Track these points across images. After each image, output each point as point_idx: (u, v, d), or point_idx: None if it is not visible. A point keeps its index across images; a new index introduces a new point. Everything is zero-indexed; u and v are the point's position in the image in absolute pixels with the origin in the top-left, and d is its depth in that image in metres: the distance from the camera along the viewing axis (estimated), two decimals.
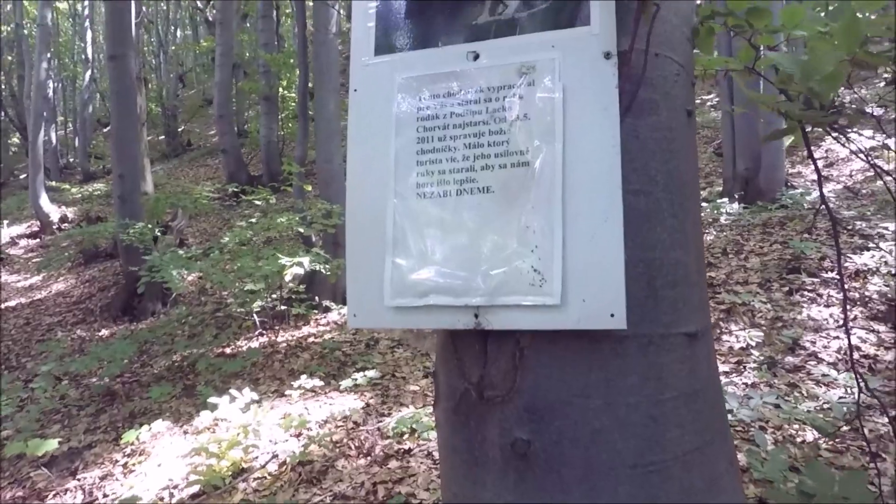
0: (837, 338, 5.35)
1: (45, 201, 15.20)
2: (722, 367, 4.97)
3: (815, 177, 10.21)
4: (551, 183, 1.11)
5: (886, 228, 7.06)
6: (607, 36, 1.14)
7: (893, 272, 6.05)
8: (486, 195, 1.16)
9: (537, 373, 1.11)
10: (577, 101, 1.13)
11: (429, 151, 1.21)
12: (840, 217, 7.82)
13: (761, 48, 1.41)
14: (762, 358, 5.05)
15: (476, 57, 1.22)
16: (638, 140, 1.15)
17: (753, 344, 5.31)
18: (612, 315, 1.05)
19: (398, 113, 1.24)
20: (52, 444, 4.13)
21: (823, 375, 4.71)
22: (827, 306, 5.88)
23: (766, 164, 9.20)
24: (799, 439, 3.71)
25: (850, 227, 7.34)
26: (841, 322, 5.52)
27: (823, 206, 1.47)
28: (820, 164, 10.73)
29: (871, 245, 6.70)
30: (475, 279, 1.13)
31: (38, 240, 15.40)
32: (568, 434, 1.07)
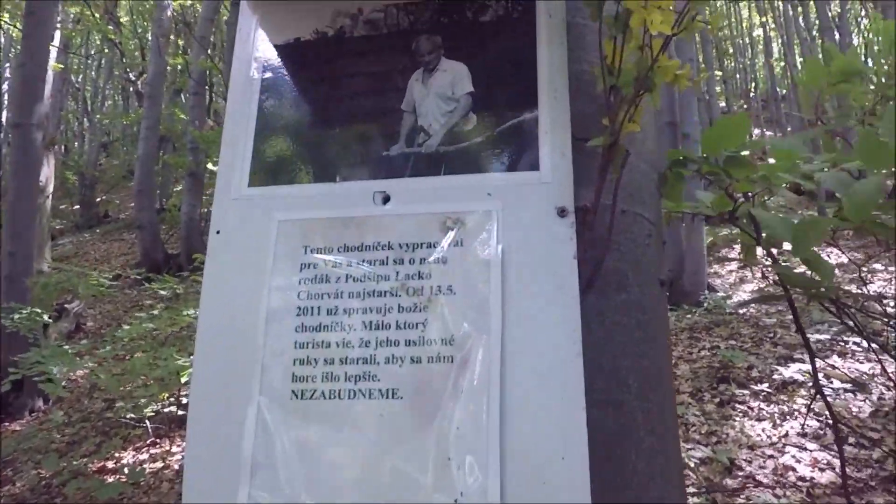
0: (772, 457, 5.18)
1: None
2: None
3: (732, 279, 10.52)
4: (484, 390, 0.77)
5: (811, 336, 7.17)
6: (562, 186, 0.84)
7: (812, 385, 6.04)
8: (391, 402, 0.80)
9: None
10: (522, 273, 0.81)
11: (312, 329, 0.85)
12: (762, 325, 7.93)
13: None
14: (703, 484, 4.78)
15: (386, 200, 0.90)
16: (604, 328, 0.83)
17: (692, 465, 5.05)
18: None
19: (274, 268, 0.89)
20: None
21: None
22: (759, 420, 5.76)
23: (689, 269, 9.37)
24: None
25: (772, 336, 7.43)
26: (774, 439, 5.38)
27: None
28: (734, 265, 11.11)
29: (795, 355, 6.74)
30: None
31: None
32: None
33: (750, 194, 1.19)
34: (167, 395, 5.60)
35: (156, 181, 17.35)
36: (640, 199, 0.94)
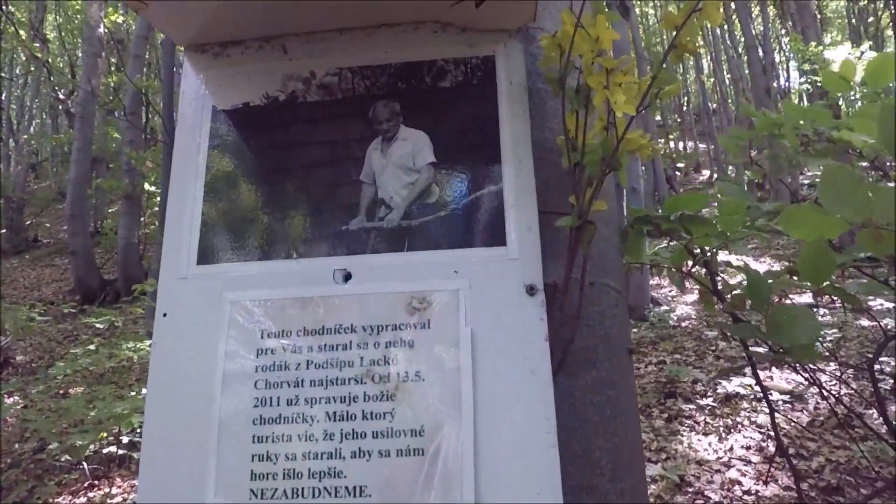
0: (719, 471, 5.32)
1: None
2: None
3: (674, 290, 10.83)
4: (457, 486, 0.73)
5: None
6: (530, 262, 0.82)
7: (759, 397, 6.26)
8: (359, 501, 0.75)
9: None
10: (493, 357, 0.78)
11: (271, 421, 0.79)
12: (705, 338, 8.18)
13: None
14: None
15: (347, 278, 0.85)
16: (575, 410, 0.81)
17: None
18: None
19: (227, 355, 0.83)
20: None
21: None
22: (705, 434, 5.91)
23: (633, 284, 9.59)
24: None
25: (714, 349, 7.67)
26: (720, 454, 5.53)
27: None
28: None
29: (735, 366, 6.97)
30: None
31: None
32: None
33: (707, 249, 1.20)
34: (106, 434, 5.30)
35: (89, 204, 16.61)
36: (605, 267, 0.93)
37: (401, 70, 0.94)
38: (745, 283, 1.07)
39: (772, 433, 5.71)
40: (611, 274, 0.93)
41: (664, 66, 0.70)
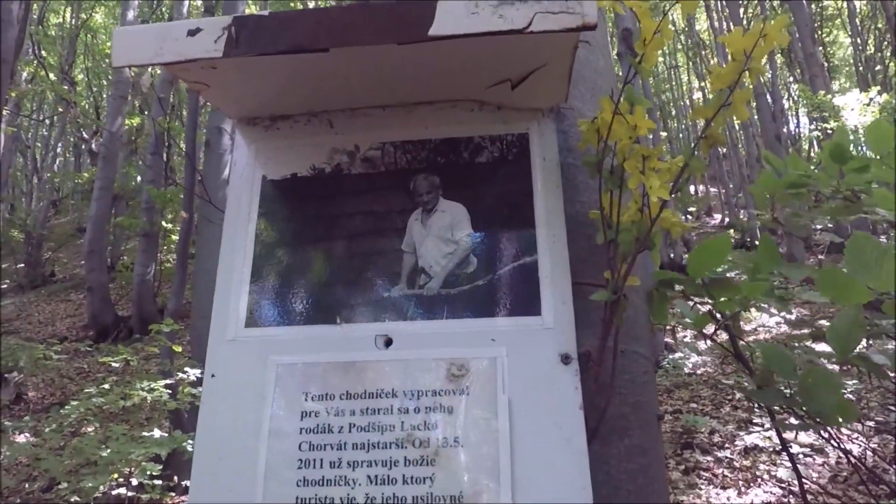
0: None
1: None
2: None
3: (688, 336, 10.70)
4: None
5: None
6: (565, 332, 0.86)
7: (779, 450, 6.13)
8: None
9: None
10: (529, 425, 0.81)
11: (315, 483, 0.82)
12: (721, 387, 8.06)
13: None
14: None
15: (388, 343, 0.89)
16: (609, 479, 0.83)
17: None
18: None
19: (273, 415, 0.86)
20: None
21: None
22: (724, 487, 5.78)
23: None
24: None
25: (731, 398, 7.55)
26: None
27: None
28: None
29: (754, 419, 6.85)
30: None
31: None
32: None
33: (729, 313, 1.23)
34: (116, 475, 5.28)
35: (108, 241, 16.87)
36: (634, 334, 0.96)
37: (440, 145, 1.00)
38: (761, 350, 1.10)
39: (793, 488, 5.59)
40: (640, 341, 0.97)
41: (694, 153, 0.75)
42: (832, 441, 1.24)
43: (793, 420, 1.19)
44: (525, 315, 0.87)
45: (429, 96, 1.02)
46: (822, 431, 1.25)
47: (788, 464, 6.03)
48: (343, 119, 1.04)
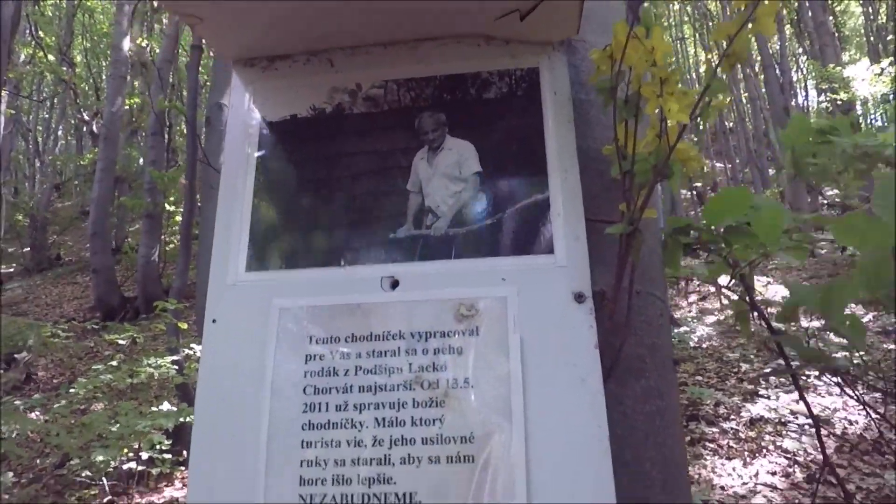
0: (744, 497, 5.20)
1: None
2: None
3: (693, 311, 10.67)
4: (510, 496, 0.72)
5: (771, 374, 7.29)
6: (578, 270, 0.82)
7: (784, 421, 6.14)
8: None
9: None
10: (542, 364, 0.78)
11: (320, 427, 0.80)
12: (726, 360, 8.06)
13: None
14: None
15: (394, 285, 0.86)
16: (626, 419, 0.80)
17: None
18: None
19: (277, 362, 0.83)
20: None
21: None
22: (729, 459, 5.79)
23: None
24: None
25: (736, 371, 7.55)
26: (745, 479, 5.41)
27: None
28: (693, 297, 11.29)
29: (760, 391, 6.85)
30: None
31: None
32: None
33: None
34: (126, 450, 5.32)
35: (111, 223, 16.88)
36: (650, 276, 0.92)
37: (445, 82, 0.96)
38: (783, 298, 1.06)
39: (797, 459, 5.59)
40: (655, 283, 0.93)
41: (716, 74, 0.71)
42: (846, 390, 1.21)
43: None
44: (536, 253, 0.84)
45: (433, 32, 0.97)
46: (840, 380, 1.22)
47: (794, 434, 6.05)
48: (343, 57, 0.99)
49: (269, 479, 0.78)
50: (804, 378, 6.95)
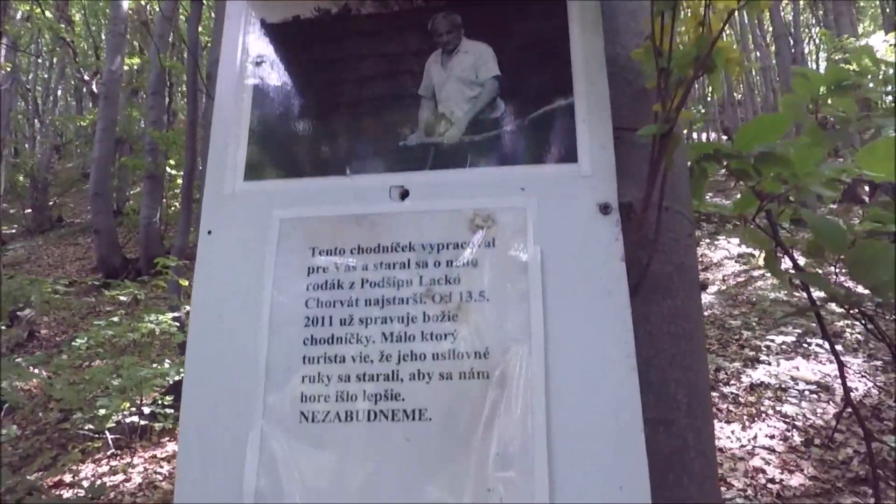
0: (743, 459, 5.22)
1: None
2: None
3: (702, 275, 10.63)
4: (527, 412, 0.67)
5: (772, 340, 7.29)
6: (604, 180, 0.76)
7: (784, 387, 6.14)
8: (418, 424, 0.70)
9: None
10: (564, 277, 0.72)
11: (323, 342, 0.74)
12: (728, 327, 8.05)
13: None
14: None
15: (404, 195, 0.80)
16: (652, 338, 0.75)
17: None
18: None
19: (277, 275, 0.77)
20: None
21: None
22: (728, 423, 5.81)
23: None
24: None
25: (738, 338, 7.54)
26: (743, 442, 5.43)
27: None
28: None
29: (760, 357, 6.84)
30: None
31: None
32: None
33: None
34: (128, 404, 5.34)
35: (112, 184, 16.78)
36: (678, 193, 0.86)
37: None
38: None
39: (796, 423, 5.61)
40: (683, 202, 0.87)
41: None
42: (871, 330, 1.15)
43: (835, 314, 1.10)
44: (559, 162, 0.77)
45: None
46: (864, 319, 1.16)
47: (793, 400, 6.06)
48: None
49: (268, 395, 0.73)
50: (806, 345, 6.94)
